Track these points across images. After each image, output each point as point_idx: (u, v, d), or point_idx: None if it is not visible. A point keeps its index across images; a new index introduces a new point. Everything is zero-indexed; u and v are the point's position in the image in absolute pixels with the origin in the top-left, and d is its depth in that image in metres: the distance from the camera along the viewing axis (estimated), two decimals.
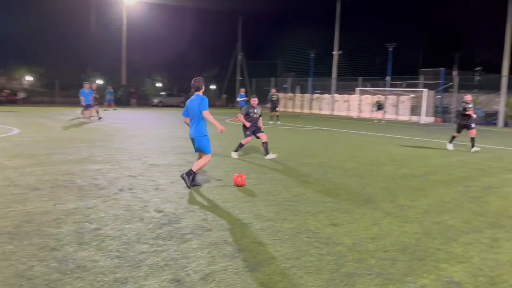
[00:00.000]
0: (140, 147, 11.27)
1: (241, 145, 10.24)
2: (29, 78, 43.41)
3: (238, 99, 26.05)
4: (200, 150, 6.79)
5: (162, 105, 42.67)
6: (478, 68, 33.62)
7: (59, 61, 42.04)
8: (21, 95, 36.70)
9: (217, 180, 7.40)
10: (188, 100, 6.78)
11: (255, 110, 10.21)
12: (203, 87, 6.72)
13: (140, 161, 9.12)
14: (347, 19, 39.45)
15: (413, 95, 32.67)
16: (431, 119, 31.28)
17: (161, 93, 46.43)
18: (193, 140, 6.75)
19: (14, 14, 40.16)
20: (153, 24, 44.77)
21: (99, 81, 42.61)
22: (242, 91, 26.73)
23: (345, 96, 37.85)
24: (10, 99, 34.73)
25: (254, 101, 10.19)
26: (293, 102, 42.12)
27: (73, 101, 31.67)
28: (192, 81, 6.75)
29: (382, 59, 39.89)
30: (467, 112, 12.75)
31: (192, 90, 6.75)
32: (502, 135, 20.97)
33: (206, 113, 6.52)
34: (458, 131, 13.08)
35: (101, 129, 16.03)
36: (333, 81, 39.70)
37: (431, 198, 6.66)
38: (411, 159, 10.95)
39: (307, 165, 9.34)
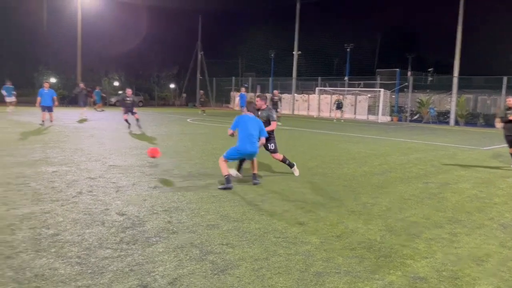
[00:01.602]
0: (99, 148, 10.88)
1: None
2: None
3: (238, 98, 23.22)
4: (253, 157, 7.33)
5: (120, 104, 41.51)
6: (430, 69, 35.03)
7: (10, 58, 39.98)
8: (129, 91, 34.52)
9: (180, 181, 7.25)
10: (241, 117, 7.24)
11: (259, 113, 8.10)
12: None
13: (99, 162, 8.79)
14: (307, 19, 40.06)
15: (370, 95, 33.61)
16: (387, 118, 32.27)
17: (119, 92, 45.19)
18: (251, 154, 7.16)
19: None
20: (110, 21, 43.52)
21: (53, 80, 40.91)
22: (243, 90, 23.84)
23: (305, 96, 38.38)
24: None
25: (258, 101, 8.13)
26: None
27: (26, 100, 30.23)
28: (253, 105, 7.58)
29: (340, 59, 40.81)
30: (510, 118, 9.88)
31: (248, 108, 7.49)
32: (454, 133, 21.94)
33: (263, 139, 7.35)
34: (511, 145, 10.10)
35: (55, 130, 15.36)
36: (293, 81, 40.13)
37: (392, 195, 6.83)
38: (370, 157, 11.21)
39: (270, 164, 9.34)
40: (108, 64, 48.25)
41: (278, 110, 22.49)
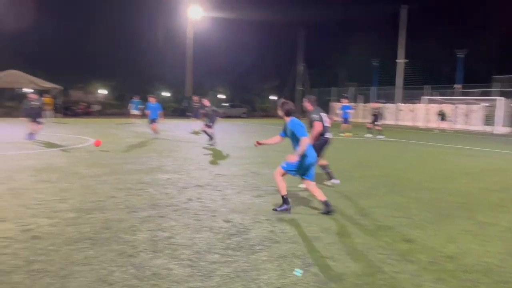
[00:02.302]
0: (206, 157, 11.57)
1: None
2: (103, 91, 46.34)
3: (339, 110, 21.23)
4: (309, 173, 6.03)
5: (225, 116, 43.65)
6: None
7: (129, 74, 44.59)
8: (96, 107, 39.23)
9: None
10: (298, 120, 6.04)
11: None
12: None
13: (206, 171, 9.35)
14: (413, 25, 38.16)
15: (487, 104, 30.72)
16: (507, 130, 29.18)
17: (224, 104, 47.55)
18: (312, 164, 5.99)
19: (89, 33, 43.29)
20: (216, 37, 46.17)
21: (165, 93, 44.53)
22: (345, 101, 21.27)
23: (410, 106, 36.44)
24: (86, 111, 37.28)
25: (305, 104, 7.94)
26: (355, 112, 41.26)
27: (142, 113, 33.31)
28: (291, 106, 6.17)
29: (450, 66, 38.08)
30: None
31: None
32: None
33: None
34: None
35: (168, 140, 16.67)
36: (398, 90, 38.41)
37: None
38: (487, 172, 10.25)
39: (372, 177, 9.06)
40: (215, 77, 51.10)
41: (378, 122, 21.10)
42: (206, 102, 16.31)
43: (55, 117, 29.09)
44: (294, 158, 5.71)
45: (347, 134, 20.83)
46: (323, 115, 7.64)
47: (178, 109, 40.40)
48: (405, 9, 37.48)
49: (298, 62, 50.27)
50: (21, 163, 9.60)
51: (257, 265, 4.05)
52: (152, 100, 17.90)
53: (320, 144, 7.49)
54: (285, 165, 5.91)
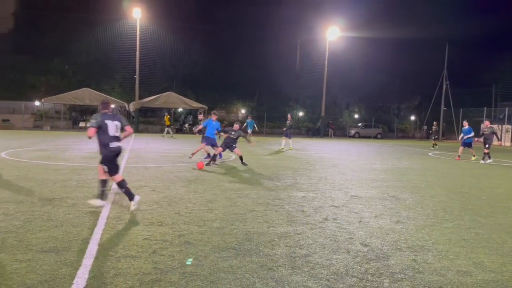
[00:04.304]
0: (340, 178, 11.44)
1: None
2: (243, 111, 49.49)
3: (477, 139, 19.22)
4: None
5: (359, 136, 42.76)
6: None
7: (268, 95, 46.84)
8: (237, 126, 42.19)
9: (424, 219, 6.89)
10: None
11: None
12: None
13: (342, 191, 9.24)
14: None
15: None
16: None
17: (358, 124, 46.60)
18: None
19: (232, 56, 46.89)
20: (352, 56, 45.78)
21: (300, 113, 45.53)
22: (465, 124, 19.73)
23: None
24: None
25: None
26: (507, 135, 36.56)
27: (278, 132, 34.57)
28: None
29: None
30: None
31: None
32: None
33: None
34: None
35: (302, 158, 16.95)
36: None
37: None
38: None
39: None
40: (349, 97, 50.58)
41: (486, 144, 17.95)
42: (236, 126, 15.10)
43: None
44: None
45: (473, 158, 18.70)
46: (112, 122, 6.58)
47: (312, 129, 40.92)
48: None
49: (442, 80, 46.75)
50: (175, 175, 10.78)
51: None
52: (214, 118, 15.69)
53: (106, 156, 6.62)
54: None
